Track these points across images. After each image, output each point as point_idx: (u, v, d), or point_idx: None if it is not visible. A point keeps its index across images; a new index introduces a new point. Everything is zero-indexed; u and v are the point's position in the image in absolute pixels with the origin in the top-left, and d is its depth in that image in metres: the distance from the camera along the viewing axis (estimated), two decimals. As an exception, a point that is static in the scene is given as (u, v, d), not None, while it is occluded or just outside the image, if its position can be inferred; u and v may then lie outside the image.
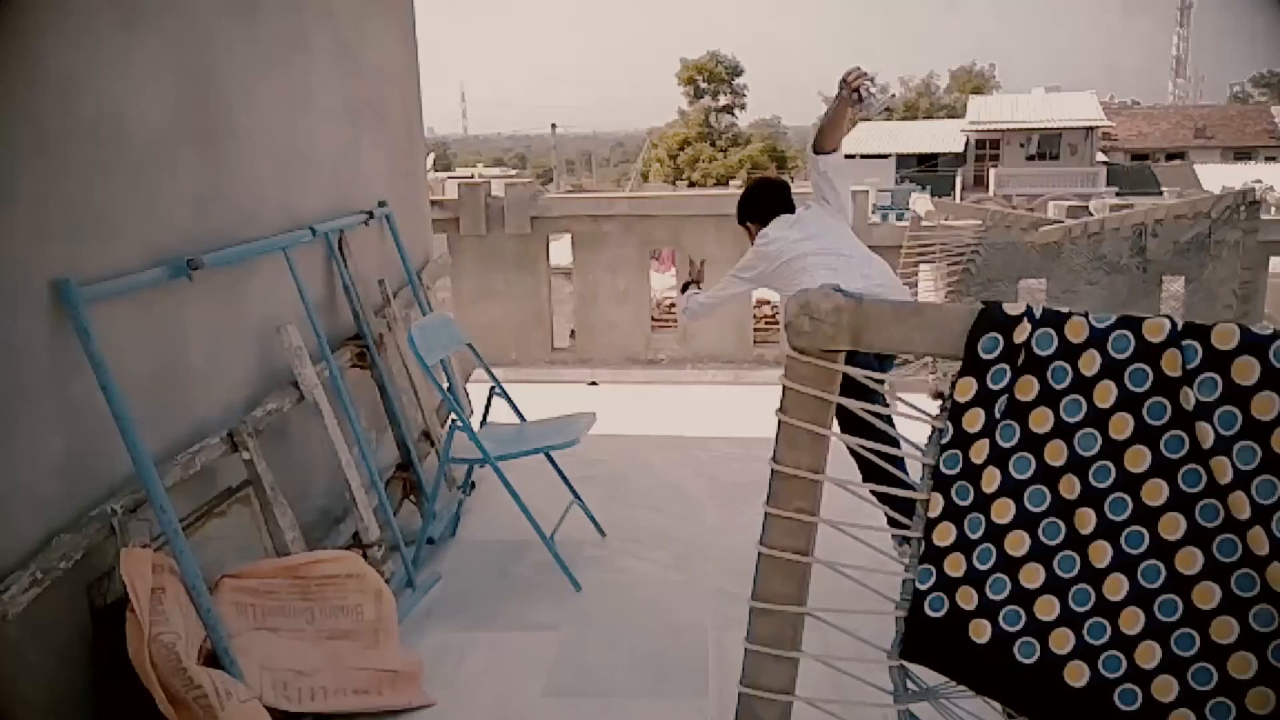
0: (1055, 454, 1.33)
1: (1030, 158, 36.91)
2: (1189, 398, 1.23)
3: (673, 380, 5.70)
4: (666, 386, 5.64)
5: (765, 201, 3.50)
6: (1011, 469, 1.35)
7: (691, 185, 40.90)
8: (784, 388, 1.47)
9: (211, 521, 2.56)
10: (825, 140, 3.25)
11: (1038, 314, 1.33)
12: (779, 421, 1.47)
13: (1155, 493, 1.28)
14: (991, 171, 35.09)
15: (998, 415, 1.34)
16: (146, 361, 2.33)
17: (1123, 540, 1.30)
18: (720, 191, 7.83)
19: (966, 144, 38.31)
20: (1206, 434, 1.23)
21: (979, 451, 1.35)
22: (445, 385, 3.99)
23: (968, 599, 1.39)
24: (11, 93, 1.88)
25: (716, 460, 4.35)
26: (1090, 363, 1.29)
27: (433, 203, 5.85)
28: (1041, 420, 1.33)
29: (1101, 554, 1.31)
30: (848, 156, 3.45)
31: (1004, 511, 1.36)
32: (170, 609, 2.00)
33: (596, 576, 3.20)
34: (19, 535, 1.85)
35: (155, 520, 2.08)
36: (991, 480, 1.35)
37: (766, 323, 7.43)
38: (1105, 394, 1.29)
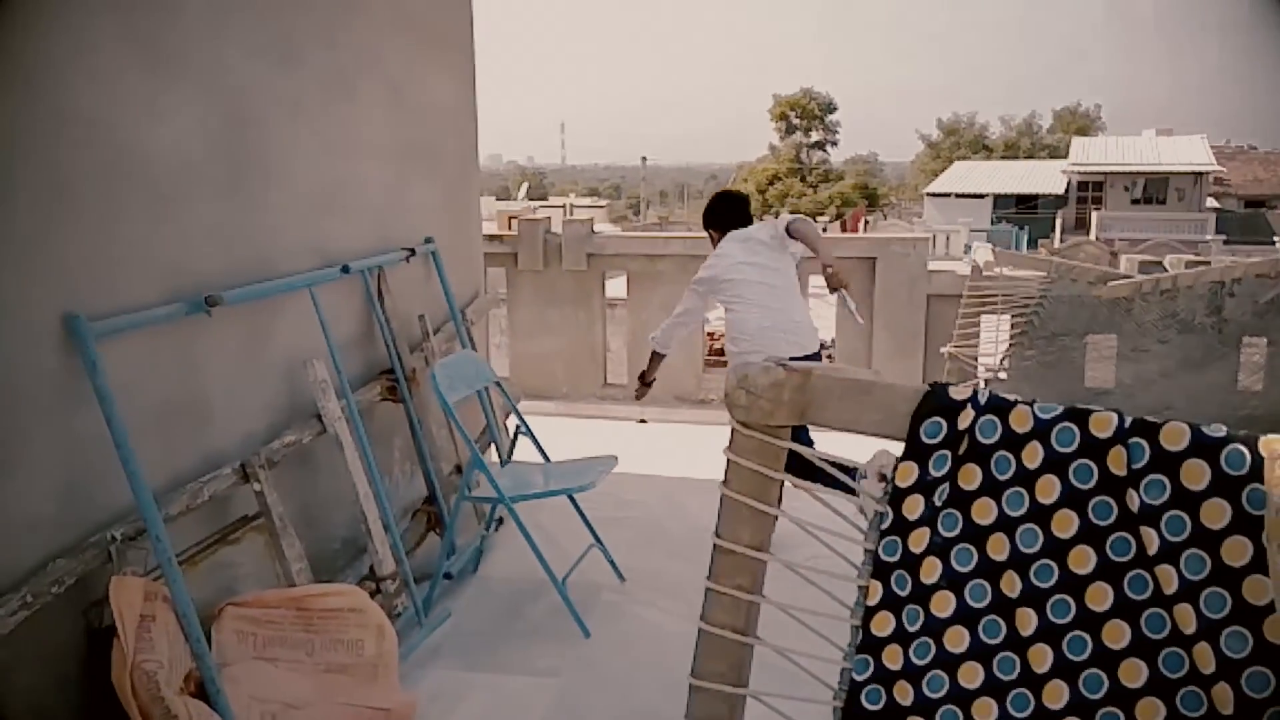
0: (998, 548, 1.26)
1: (1135, 201, 35.58)
2: (1135, 500, 1.16)
3: (721, 421, 5.63)
4: (714, 428, 5.58)
5: (723, 212, 3.94)
6: (953, 561, 1.29)
7: (779, 220, 40.66)
8: (728, 460, 1.44)
9: (225, 548, 2.63)
10: (799, 242, 3.70)
11: (982, 400, 1.27)
12: (722, 495, 1.44)
13: (1099, 597, 1.20)
14: (1094, 214, 33.94)
15: (938, 503, 1.28)
16: (164, 392, 2.42)
17: (1064, 645, 1.23)
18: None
19: (1068, 186, 37.18)
20: (1152, 539, 1.15)
21: (918, 540, 1.30)
22: (483, 423, 4.04)
23: (904, 694, 1.32)
24: (30, 135, 1.98)
25: (752, 508, 4.27)
26: (1033, 455, 1.23)
27: (493, 237, 5.97)
28: (984, 512, 1.27)
29: (1042, 658, 1.24)
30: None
31: (944, 605, 1.29)
32: (158, 637, 2.06)
33: (608, 623, 3.17)
34: (16, 558, 1.93)
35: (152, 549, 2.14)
36: (931, 571, 1.29)
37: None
38: (1048, 489, 1.22)
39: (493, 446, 4.04)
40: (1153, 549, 1.15)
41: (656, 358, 4.02)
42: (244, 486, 2.57)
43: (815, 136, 49.40)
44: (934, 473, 1.28)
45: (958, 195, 37.80)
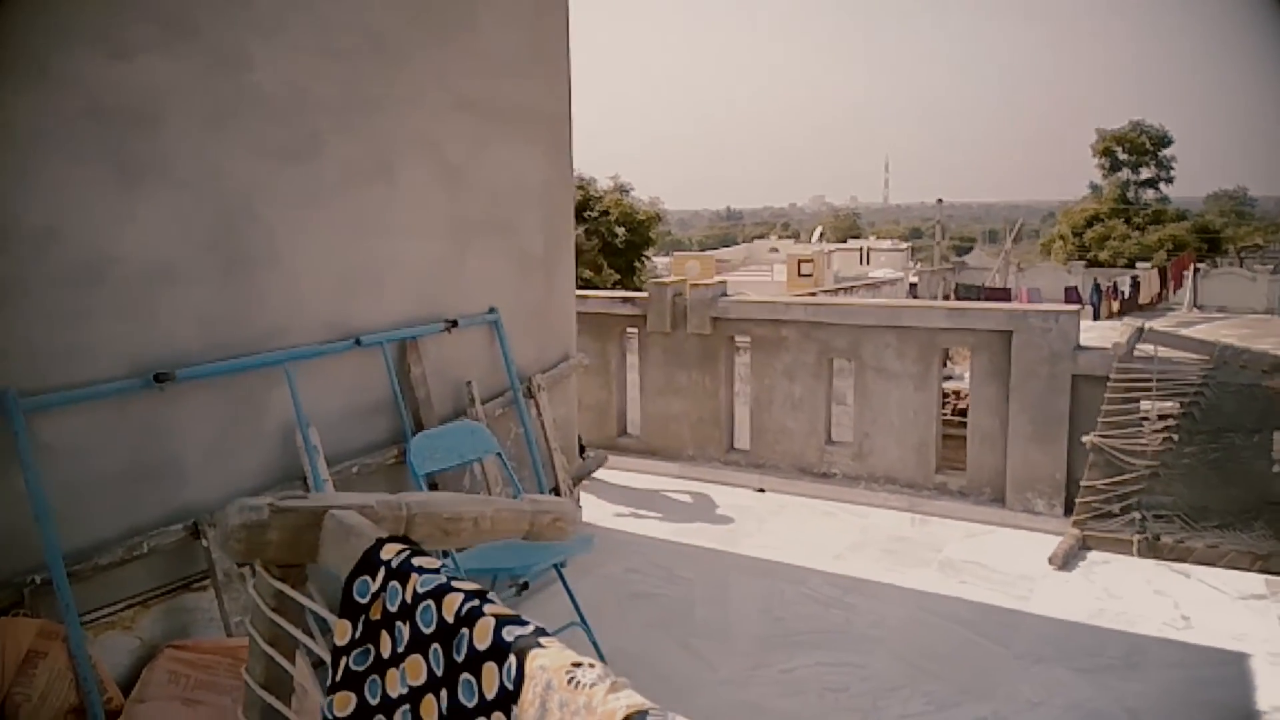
0: (399, 726, 1.17)
1: None
2: (444, 703, 1.04)
3: (839, 498, 5.31)
4: (829, 503, 5.27)
5: None
6: (373, 732, 1.21)
7: (1094, 265, 36.92)
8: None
9: (189, 594, 2.96)
10: None
11: (395, 562, 1.20)
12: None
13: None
14: None
15: (357, 667, 1.22)
16: (127, 455, 2.78)
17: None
18: (907, 302, 7.15)
19: None
20: (460, 749, 1.03)
21: (343, 704, 1.24)
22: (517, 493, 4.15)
23: None
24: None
25: (802, 598, 4.01)
26: (406, 631, 1.14)
27: (627, 298, 6.09)
28: (393, 684, 1.19)
29: None
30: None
31: (365, 779, 1.22)
32: (41, 673, 2.38)
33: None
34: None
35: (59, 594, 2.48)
36: (356, 740, 1.23)
37: (953, 416, 6.56)
38: (416, 671, 1.13)
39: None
40: (461, 761, 1.02)
41: None
42: (193, 543, 2.88)
43: (1146, 174, 44.43)
44: (357, 634, 1.22)
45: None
